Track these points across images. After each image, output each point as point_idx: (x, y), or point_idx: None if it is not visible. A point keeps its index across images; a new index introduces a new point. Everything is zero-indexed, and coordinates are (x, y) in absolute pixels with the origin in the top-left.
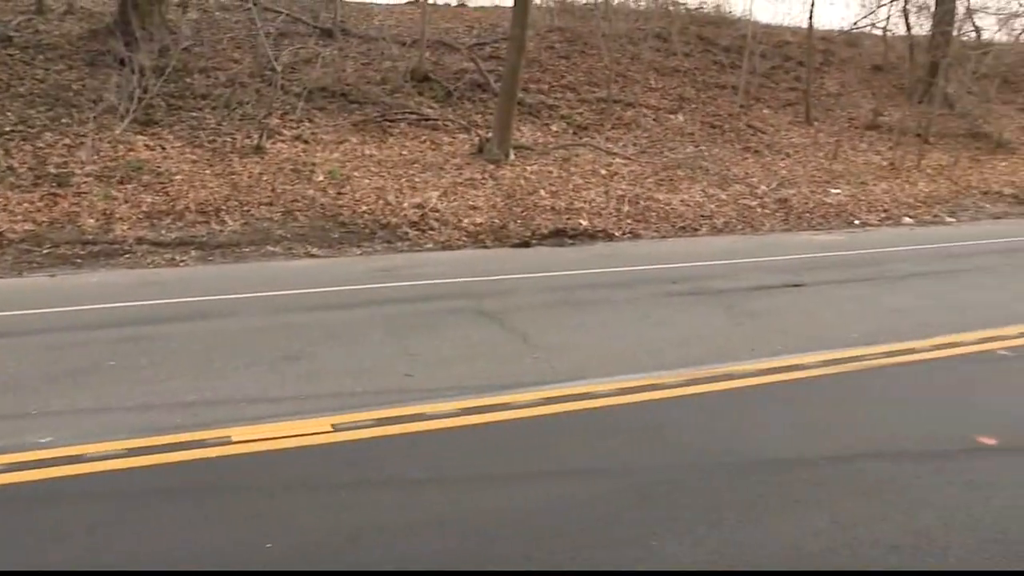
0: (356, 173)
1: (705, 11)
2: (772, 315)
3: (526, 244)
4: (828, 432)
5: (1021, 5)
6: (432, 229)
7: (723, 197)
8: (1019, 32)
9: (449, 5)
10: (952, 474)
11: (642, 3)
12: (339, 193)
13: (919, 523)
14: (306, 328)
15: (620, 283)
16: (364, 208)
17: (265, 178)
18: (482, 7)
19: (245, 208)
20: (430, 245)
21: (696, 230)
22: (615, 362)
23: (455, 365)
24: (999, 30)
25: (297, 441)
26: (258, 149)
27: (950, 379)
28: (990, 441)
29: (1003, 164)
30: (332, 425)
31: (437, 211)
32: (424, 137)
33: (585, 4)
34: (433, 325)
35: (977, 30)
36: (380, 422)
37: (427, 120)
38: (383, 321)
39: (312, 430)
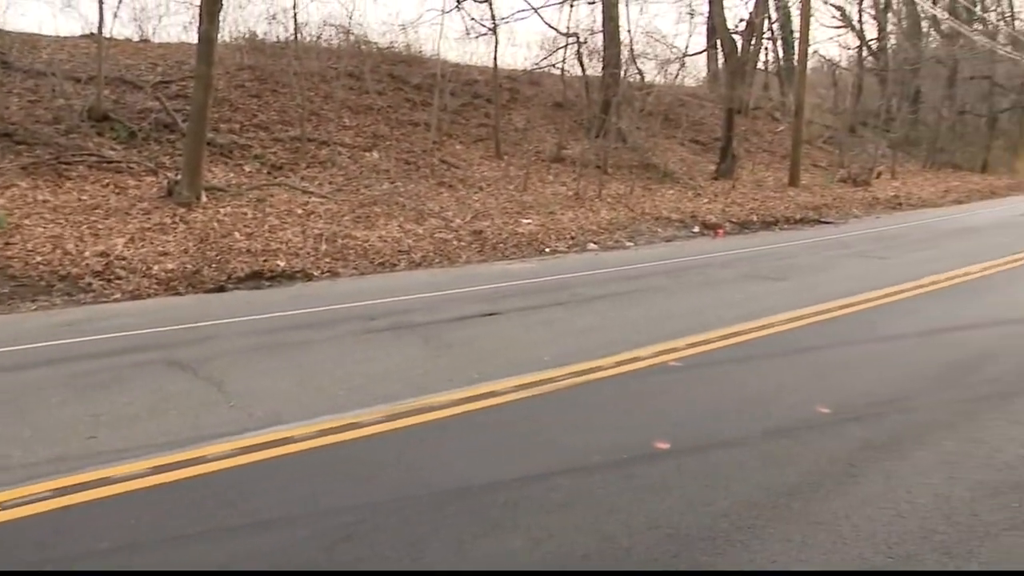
0: (27, 221)
1: (396, 50)
2: (469, 345)
3: (222, 289)
4: (523, 454)
5: (674, 52)
6: (119, 278)
7: (420, 231)
8: (674, 76)
9: (130, 40)
10: (634, 480)
11: (334, 42)
12: (7, 243)
13: (607, 529)
14: None
15: (319, 323)
16: (39, 259)
17: None
18: (167, 43)
19: None
20: (117, 295)
21: (395, 265)
22: (315, 404)
23: (145, 421)
24: (658, 73)
25: None
26: None
27: (631, 392)
28: (664, 445)
29: (670, 192)
30: None
31: (124, 259)
32: (107, 180)
33: (276, 42)
34: (120, 381)
35: (640, 73)
36: (59, 492)
37: (109, 162)
38: (62, 381)
39: None
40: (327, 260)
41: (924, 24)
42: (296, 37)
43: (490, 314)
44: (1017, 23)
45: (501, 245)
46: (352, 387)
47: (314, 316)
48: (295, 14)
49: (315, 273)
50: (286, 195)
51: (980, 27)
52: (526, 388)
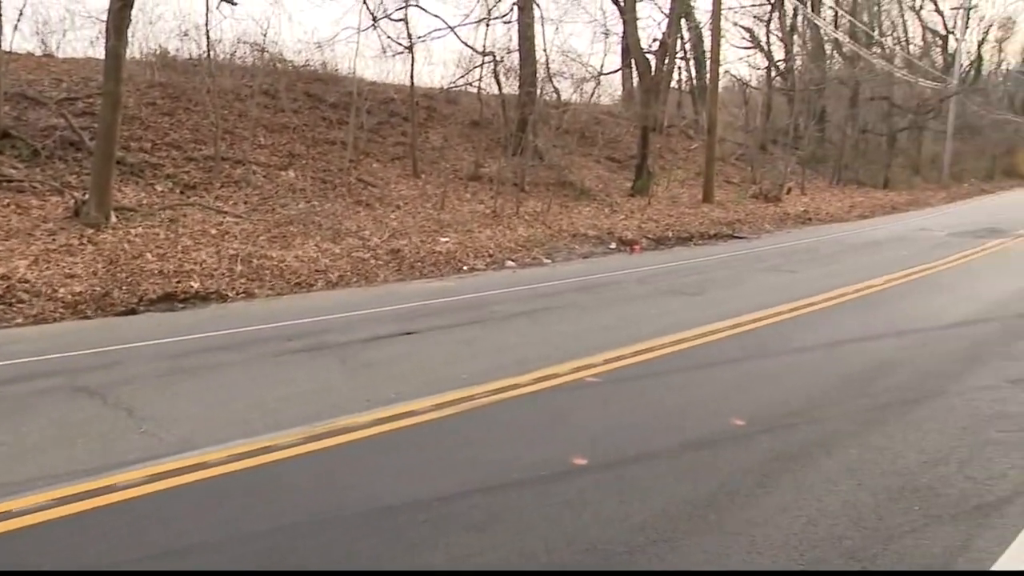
0: None
1: (312, 68)
2: (387, 364)
3: (133, 311)
4: (442, 473)
5: (589, 71)
6: (22, 302)
7: (337, 251)
8: (590, 94)
9: (32, 55)
10: (552, 496)
11: (248, 59)
12: None
13: (526, 546)
14: None
15: (234, 345)
16: None
17: None
18: (72, 58)
19: None
20: (20, 320)
21: (311, 285)
22: (229, 428)
23: (48, 452)
24: (574, 92)
25: None
26: None
27: (549, 408)
28: (582, 461)
29: (587, 209)
30: None
31: (27, 282)
32: (7, 200)
33: (188, 59)
34: (21, 410)
35: (557, 91)
36: None
37: (10, 182)
38: None
39: None
40: (242, 281)
41: (827, 47)
42: (209, 54)
43: (408, 333)
44: (911, 47)
45: (419, 264)
46: (267, 410)
47: (229, 338)
48: (207, 31)
49: (230, 294)
50: (200, 215)
51: (878, 51)
52: (444, 407)
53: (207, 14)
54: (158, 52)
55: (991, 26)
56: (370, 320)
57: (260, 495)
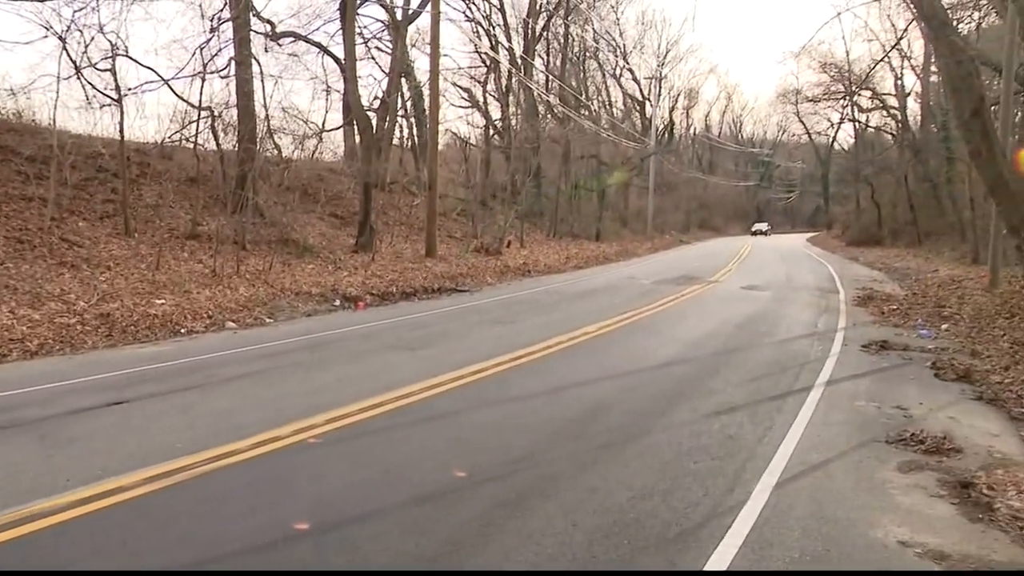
0: None
1: (3, 117)
2: (92, 439)
3: None
4: (152, 552)
5: (311, 128)
6: None
7: (36, 317)
8: (312, 151)
9: None
10: (273, 565)
11: None
12: None
13: None
14: None
15: None
16: None
17: None
18: None
19: None
20: None
21: (5, 356)
22: None
23: None
24: (295, 148)
25: None
26: None
27: (269, 473)
28: (303, 526)
29: (310, 267)
30: None
31: None
32: None
33: None
34: None
35: (278, 147)
36: None
37: None
38: None
39: None
40: None
41: (541, 108)
42: None
43: (118, 403)
44: (615, 111)
45: (132, 328)
46: None
47: None
48: None
49: None
50: None
51: (586, 113)
52: (157, 479)
53: None
54: None
55: (679, 95)
56: (75, 391)
57: None
